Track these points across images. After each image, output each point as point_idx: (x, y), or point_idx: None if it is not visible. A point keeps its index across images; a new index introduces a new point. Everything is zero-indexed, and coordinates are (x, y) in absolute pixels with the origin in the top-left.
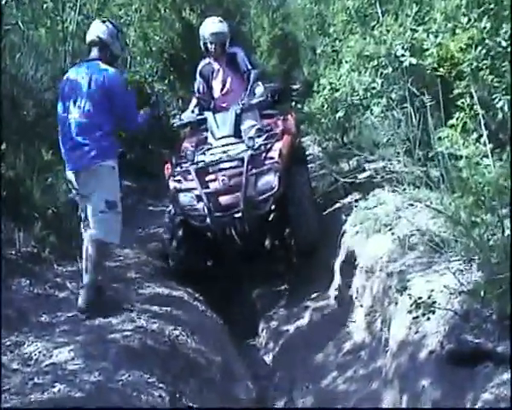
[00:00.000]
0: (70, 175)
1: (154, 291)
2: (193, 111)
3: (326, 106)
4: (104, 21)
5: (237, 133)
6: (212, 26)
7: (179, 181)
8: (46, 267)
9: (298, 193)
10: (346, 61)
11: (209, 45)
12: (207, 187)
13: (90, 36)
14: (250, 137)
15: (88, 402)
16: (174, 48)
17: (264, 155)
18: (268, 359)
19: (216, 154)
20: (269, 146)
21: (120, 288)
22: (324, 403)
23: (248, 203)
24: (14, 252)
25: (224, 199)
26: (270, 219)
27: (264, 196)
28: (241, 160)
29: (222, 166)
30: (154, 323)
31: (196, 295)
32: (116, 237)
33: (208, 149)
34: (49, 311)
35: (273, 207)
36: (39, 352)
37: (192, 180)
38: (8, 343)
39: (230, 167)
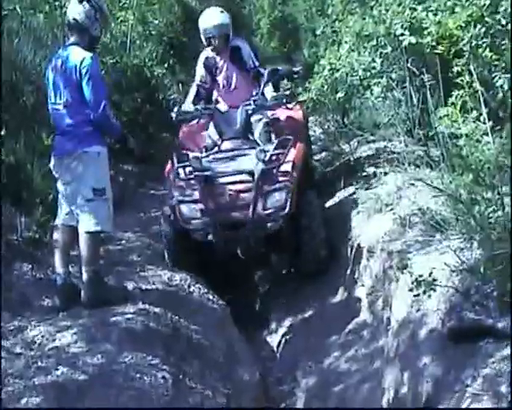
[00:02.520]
0: (54, 161)
1: (156, 274)
2: (194, 102)
3: (326, 87)
4: (81, 1)
5: (245, 135)
6: (213, 18)
7: (182, 189)
8: (48, 252)
9: (309, 215)
10: (346, 42)
11: (211, 38)
12: (213, 201)
13: (67, 17)
14: (261, 150)
15: (91, 384)
16: (174, 31)
17: (276, 169)
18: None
19: (223, 161)
20: (281, 159)
21: (122, 271)
22: (327, 383)
23: (256, 222)
24: (15, 237)
25: (230, 215)
26: (277, 238)
27: (273, 216)
28: (251, 174)
29: (230, 179)
30: (156, 305)
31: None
32: (107, 225)
33: (215, 154)
34: (52, 295)
35: (281, 227)
36: (42, 336)
37: (197, 190)
38: (11, 328)
39: (239, 181)
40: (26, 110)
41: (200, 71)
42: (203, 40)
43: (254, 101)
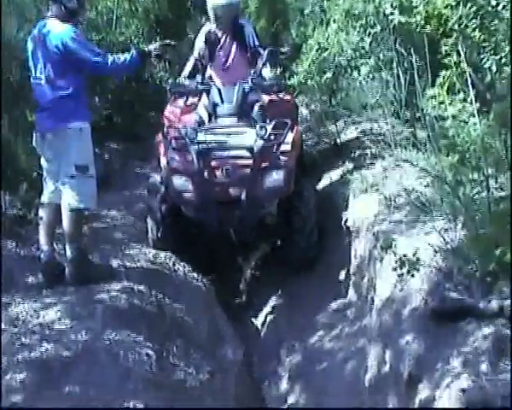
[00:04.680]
0: (37, 138)
1: (141, 252)
2: (189, 76)
3: (314, 67)
4: None
5: (241, 113)
6: None
7: (174, 160)
8: (32, 229)
9: (303, 202)
10: (334, 21)
11: (219, 17)
12: (208, 174)
13: None
14: (262, 126)
15: (75, 361)
16: (160, 8)
17: (275, 147)
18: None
19: (219, 136)
20: (280, 139)
21: (107, 249)
22: (310, 361)
23: (252, 201)
24: None
25: (226, 191)
26: (268, 221)
27: (270, 196)
28: (251, 150)
29: (227, 153)
30: (140, 283)
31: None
32: (90, 202)
33: (210, 129)
34: (36, 272)
35: (276, 209)
36: (26, 312)
37: (191, 162)
38: None
39: (237, 157)
40: (11, 87)
41: (199, 44)
42: (210, 16)
43: (252, 79)
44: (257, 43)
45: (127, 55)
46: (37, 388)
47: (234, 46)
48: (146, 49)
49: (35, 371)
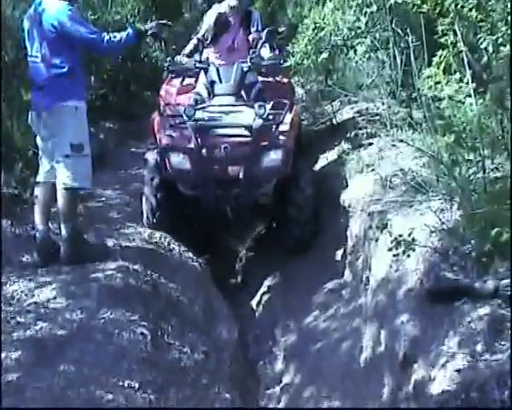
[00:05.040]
0: (32, 116)
1: (136, 231)
2: (189, 55)
3: (310, 47)
4: None
5: (239, 93)
6: None
7: (172, 137)
8: (27, 208)
9: (300, 191)
10: (330, 0)
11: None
12: (206, 152)
13: None
14: (261, 105)
15: (70, 340)
16: None
17: (274, 127)
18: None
19: (217, 114)
20: (279, 119)
21: (102, 228)
22: (305, 341)
23: (250, 179)
24: None
25: (223, 169)
26: (264, 202)
27: (268, 175)
28: (249, 128)
29: (226, 131)
30: (135, 262)
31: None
32: (85, 182)
33: (208, 107)
34: (31, 251)
35: (272, 190)
36: (21, 291)
37: (189, 140)
38: None
39: (235, 135)
40: (6, 65)
41: (207, 25)
42: None
43: (251, 59)
44: (260, 29)
45: (123, 34)
46: (31, 366)
47: (241, 30)
48: (142, 28)
49: (30, 349)
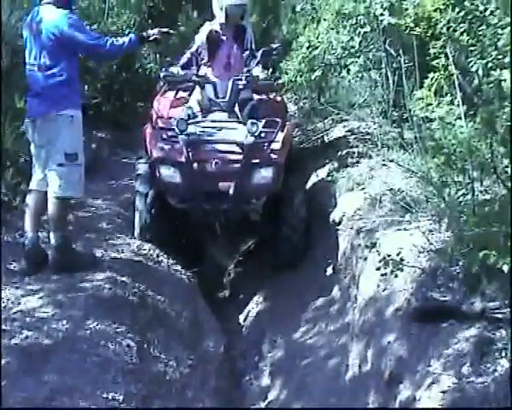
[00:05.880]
0: (27, 123)
1: (125, 242)
2: (183, 68)
3: (303, 65)
4: None
5: (233, 109)
6: None
7: (163, 150)
8: (17, 215)
9: (293, 211)
10: (325, 19)
11: (230, 15)
12: (197, 166)
13: None
14: (253, 123)
15: (55, 349)
16: (152, 1)
17: (266, 144)
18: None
19: (210, 129)
20: (271, 137)
21: (91, 238)
22: (292, 357)
23: (240, 196)
24: None
25: (214, 184)
26: (254, 218)
27: (258, 192)
28: (241, 145)
29: (218, 146)
30: (123, 274)
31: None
32: (77, 191)
33: (201, 122)
34: (19, 259)
35: (261, 207)
36: (7, 299)
37: (180, 153)
38: None
39: (227, 151)
40: (0, 72)
41: (200, 40)
42: (217, 12)
43: (246, 77)
44: (253, 46)
45: (125, 39)
46: (15, 375)
47: (235, 46)
48: (145, 33)
49: (15, 358)
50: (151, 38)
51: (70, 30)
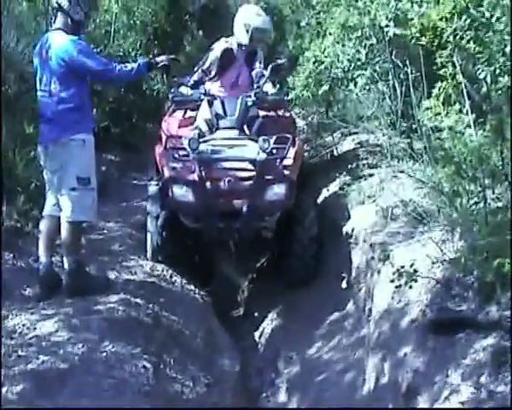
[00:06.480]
0: (40, 149)
1: (138, 264)
2: (193, 87)
3: (310, 80)
4: None
5: (242, 127)
6: (266, 22)
7: (175, 169)
8: (29, 241)
9: (305, 229)
10: (331, 33)
11: (254, 39)
12: (210, 185)
13: (52, 1)
14: (265, 139)
15: (71, 373)
16: (158, 21)
17: (278, 161)
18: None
19: (221, 147)
20: (283, 153)
21: (104, 260)
22: (308, 373)
23: (253, 213)
24: None
25: (227, 202)
26: (265, 235)
27: (271, 209)
28: (253, 162)
29: (230, 164)
30: (137, 295)
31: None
32: (90, 215)
33: (211, 140)
34: (33, 284)
35: (274, 224)
36: (23, 325)
37: (192, 172)
38: None
39: (239, 169)
40: (9, 98)
41: (213, 58)
42: (240, 32)
43: (255, 94)
44: (262, 66)
45: (134, 65)
46: (33, 400)
47: (245, 68)
48: (153, 60)
49: (31, 383)
50: (159, 65)
51: (79, 56)
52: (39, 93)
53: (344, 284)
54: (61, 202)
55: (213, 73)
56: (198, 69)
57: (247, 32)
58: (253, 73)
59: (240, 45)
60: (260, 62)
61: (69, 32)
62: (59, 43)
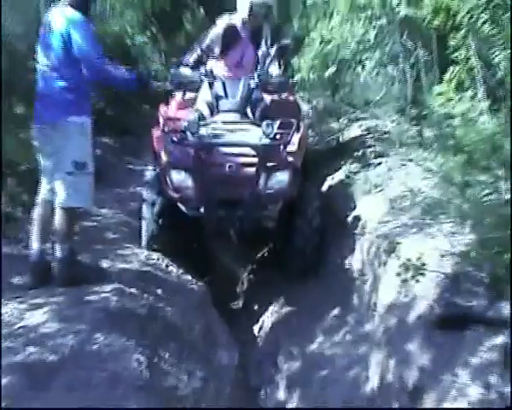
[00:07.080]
0: (35, 131)
1: (133, 252)
2: (192, 67)
3: (316, 61)
4: None
5: (245, 110)
6: None
7: (174, 154)
8: (19, 226)
9: (307, 221)
10: (338, 13)
11: (254, 13)
12: (210, 170)
13: None
14: (268, 124)
15: (62, 366)
16: None
17: (281, 147)
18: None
19: (222, 131)
20: (287, 139)
21: (97, 249)
22: (309, 368)
23: (256, 201)
24: None
25: (228, 189)
26: (270, 225)
27: (274, 197)
28: (256, 148)
29: (231, 149)
30: (132, 285)
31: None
32: (86, 201)
33: (212, 123)
34: (22, 272)
35: (277, 214)
36: (11, 314)
37: (192, 157)
38: None
39: (241, 154)
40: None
41: (213, 35)
42: (241, 6)
43: (259, 75)
44: (269, 43)
45: (126, 73)
46: (21, 393)
47: (250, 48)
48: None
49: (19, 375)
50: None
51: (76, 32)
52: (41, 67)
53: (346, 278)
54: (56, 187)
55: (217, 51)
56: (196, 47)
57: (248, 5)
58: (259, 52)
59: (244, 23)
60: (266, 42)
61: (77, 8)
62: (61, 16)
